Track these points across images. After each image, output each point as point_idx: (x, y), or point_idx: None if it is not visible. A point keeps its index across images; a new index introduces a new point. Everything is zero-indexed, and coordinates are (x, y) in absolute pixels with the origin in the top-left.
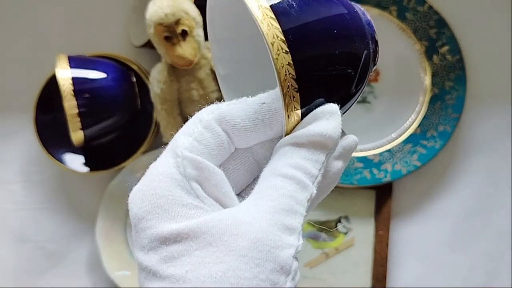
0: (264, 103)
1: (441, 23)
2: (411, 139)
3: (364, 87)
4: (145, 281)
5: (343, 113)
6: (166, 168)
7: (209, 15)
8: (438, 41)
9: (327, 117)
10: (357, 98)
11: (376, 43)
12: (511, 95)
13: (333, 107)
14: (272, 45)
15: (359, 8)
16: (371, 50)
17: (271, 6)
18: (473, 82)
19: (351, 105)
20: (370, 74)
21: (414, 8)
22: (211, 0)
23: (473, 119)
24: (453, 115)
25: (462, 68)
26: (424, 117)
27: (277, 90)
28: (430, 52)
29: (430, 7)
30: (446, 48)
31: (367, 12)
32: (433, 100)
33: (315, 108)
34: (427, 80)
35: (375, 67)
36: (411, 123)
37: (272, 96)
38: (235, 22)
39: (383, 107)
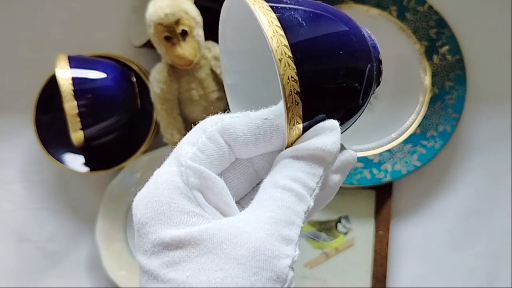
0: (267, 118)
1: (441, 23)
2: (411, 139)
3: (366, 103)
4: (146, 284)
5: (346, 129)
6: (169, 176)
7: (221, 27)
8: (438, 41)
9: (327, 133)
10: (360, 114)
11: (380, 63)
12: (511, 95)
13: (333, 123)
14: (279, 58)
15: (366, 31)
16: (375, 69)
17: (279, 20)
18: (473, 82)
19: (354, 121)
20: (373, 91)
21: (414, 8)
22: (224, 12)
23: (473, 119)
24: (453, 115)
25: (462, 68)
26: (424, 117)
27: (280, 106)
28: (430, 52)
29: (430, 7)
30: (446, 48)
31: (373, 35)
32: (433, 100)
33: (316, 123)
34: (427, 80)
35: (378, 86)
36: (411, 123)
37: (275, 113)
38: (246, 35)
39: (383, 107)
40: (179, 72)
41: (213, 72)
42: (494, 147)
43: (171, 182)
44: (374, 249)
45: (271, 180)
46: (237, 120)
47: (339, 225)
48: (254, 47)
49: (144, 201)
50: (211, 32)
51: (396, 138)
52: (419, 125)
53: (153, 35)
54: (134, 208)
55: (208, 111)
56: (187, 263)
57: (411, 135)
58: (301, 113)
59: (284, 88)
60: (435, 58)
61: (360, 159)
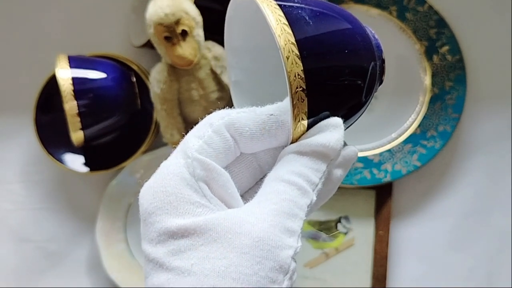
0: (272, 114)
1: (441, 23)
2: (411, 139)
3: (370, 100)
4: (151, 272)
5: (350, 125)
6: (176, 167)
7: (227, 24)
8: (438, 41)
9: (331, 130)
10: (363, 111)
11: (383, 61)
12: (511, 95)
13: (337, 120)
14: (287, 56)
15: (370, 30)
16: (378, 68)
17: (287, 18)
18: (473, 82)
19: (358, 118)
20: (376, 89)
21: (414, 8)
22: (230, 10)
23: (473, 119)
24: (453, 115)
25: (462, 68)
26: (424, 117)
27: (285, 103)
28: (430, 52)
29: (430, 7)
30: (446, 48)
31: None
32: (433, 100)
33: (320, 120)
34: (427, 80)
35: (381, 84)
36: (411, 123)
37: (281, 109)
38: (251, 33)
39: (383, 107)
40: (179, 72)
41: (213, 72)
42: (494, 147)
43: (178, 173)
44: (374, 249)
45: (275, 174)
46: (243, 115)
47: (339, 225)
48: (259, 44)
49: (151, 191)
50: (211, 32)
51: (396, 138)
52: (419, 125)
53: (153, 35)
54: (141, 198)
55: (208, 111)
56: (192, 251)
57: (411, 135)
58: (306, 110)
59: (290, 86)
60: (435, 58)
61: (360, 159)
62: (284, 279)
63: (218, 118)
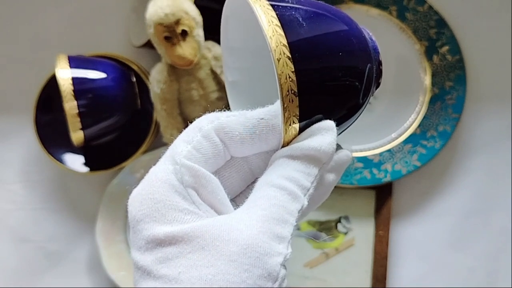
0: (263, 118)
1: (441, 23)
2: (411, 139)
3: (366, 103)
4: (139, 279)
5: (345, 129)
6: (164, 174)
7: (223, 23)
8: (438, 41)
9: (323, 133)
10: (359, 114)
11: (380, 64)
12: (511, 95)
13: (329, 123)
14: (278, 58)
15: (367, 32)
16: (375, 70)
17: (279, 19)
18: (473, 82)
19: (353, 121)
20: (373, 93)
21: (414, 8)
22: (227, 9)
23: (473, 119)
24: (453, 115)
25: (462, 68)
26: (424, 117)
27: (277, 106)
28: (430, 52)
29: (430, 7)
30: (446, 48)
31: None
32: (433, 100)
33: (312, 124)
34: (427, 80)
35: (378, 88)
36: (411, 123)
37: (271, 112)
38: (248, 32)
39: (383, 107)
40: (179, 72)
41: (213, 72)
42: (494, 147)
43: (166, 180)
44: (374, 249)
45: (266, 179)
46: (233, 119)
47: (339, 225)
48: (256, 44)
49: (139, 198)
50: (211, 32)
51: (396, 138)
52: (419, 125)
53: (153, 35)
54: (130, 205)
55: (208, 111)
56: (179, 259)
57: (411, 135)
58: (298, 113)
59: (281, 88)
60: (435, 58)
61: (360, 159)
62: (273, 287)
63: (207, 122)
